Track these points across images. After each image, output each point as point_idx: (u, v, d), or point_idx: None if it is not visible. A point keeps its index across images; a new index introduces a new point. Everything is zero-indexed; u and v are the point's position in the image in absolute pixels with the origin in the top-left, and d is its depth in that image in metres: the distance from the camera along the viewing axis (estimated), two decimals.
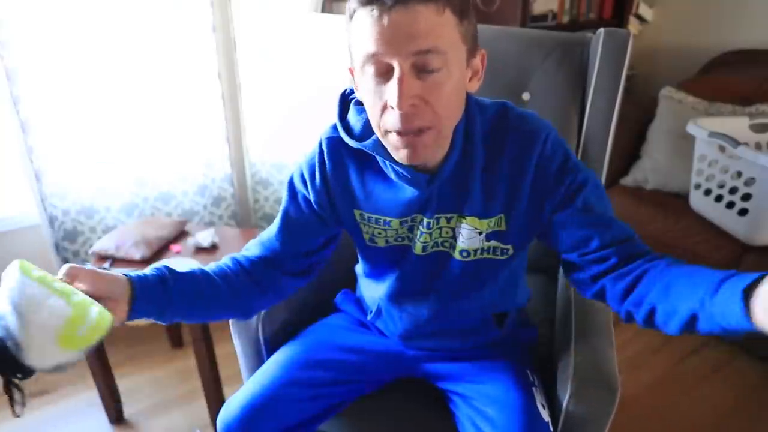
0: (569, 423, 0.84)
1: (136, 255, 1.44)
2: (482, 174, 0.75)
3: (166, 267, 0.75)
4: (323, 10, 1.65)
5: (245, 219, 2.14)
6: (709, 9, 2.38)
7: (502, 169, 0.74)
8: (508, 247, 0.80)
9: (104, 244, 1.48)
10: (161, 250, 1.51)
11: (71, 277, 0.62)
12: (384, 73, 0.62)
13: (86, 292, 0.61)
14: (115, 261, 1.45)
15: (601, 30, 1.17)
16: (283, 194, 0.86)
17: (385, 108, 0.64)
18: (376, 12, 0.59)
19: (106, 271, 0.67)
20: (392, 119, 0.63)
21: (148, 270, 0.74)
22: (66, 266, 0.63)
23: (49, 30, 1.53)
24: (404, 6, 0.58)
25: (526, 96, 1.24)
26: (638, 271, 0.68)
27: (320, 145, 0.80)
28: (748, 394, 1.60)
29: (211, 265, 0.81)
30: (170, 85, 1.76)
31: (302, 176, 0.82)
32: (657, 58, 2.62)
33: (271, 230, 0.86)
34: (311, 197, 0.82)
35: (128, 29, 1.63)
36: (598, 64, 1.17)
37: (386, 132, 0.66)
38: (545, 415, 0.80)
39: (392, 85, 0.61)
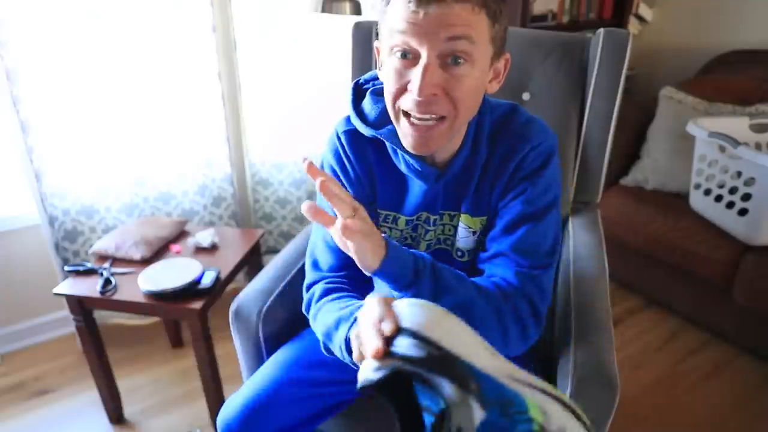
0: None
1: (136, 255, 1.44)
2: (480, 173, 0.76)
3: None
4: (323, 10, 1.65)
5: (245, 219, 2.14)
6: (709, 9, 2.38)
7: (492, 169, 0.76)
8: None
9: (104, 244, 1.48)
10: (161, 250, 1.51)
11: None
12: (410, 58, 0.63)
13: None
14: (115, 261, 1.45)
15: (601, 30, 1.17)
16: (317, 196, 0.84)
17: (403, 90, 0.64)
18: (412, 5, 0.60)
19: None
20: (409, 101, 0.64)
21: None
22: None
23: (49, 30, 1.53)
24: (443, 2, 0.59)
25: (525, 96, 1.24)
26: None
27: (339, 139, 0.80)
28: (748, 394, 1.60)
29: (327, 295, 0.77)
30: (170, 86, 1.76)
31: (334, 171, 0.81)
32: (657, 58, 2.62)
33: (322, 253, 0.81)
34: (348, 190, 0.81)
35: (128, 29, 1.63)
36: (597, 64, 1.17)
37: (400, 113, 0.66)
38: None
39: (416, 71, 0.62)
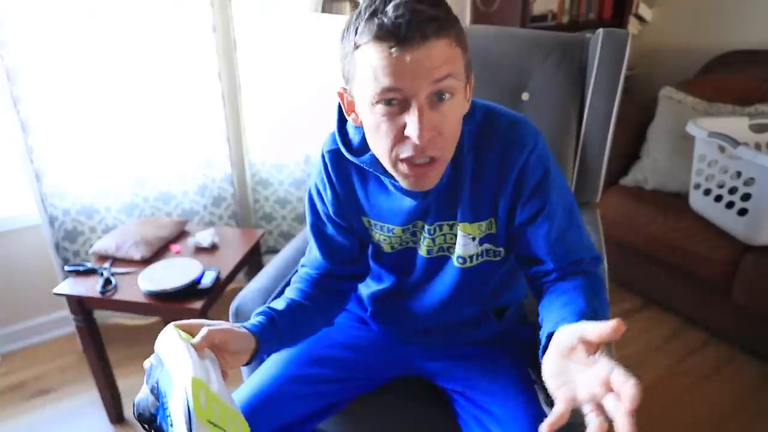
0: None
1: (136, 255, 1.44)
2: (471, 181, 0.76)
3: (271, 308, 0.80)
4: (323, 10, 1.65)
5: (245, 219, 2.14)
6: (709, 9, 2.38)
7: (489, 175, 0.75)
8: (500, 249, 0.81)
9: (104, 244, 1.48)
10: (161, 250, 1.51)
11: (209, 341, 0.64)
12: (398, 106, 0.62)
13: (220, 351, 0.66)
14: (115, 261, 1.45)
15: (600, 30, 1.17)
16: (306, 211, 0.89)
17: (400, 138, 0.64)
18: (396, 51, 0.58)
19: (237, 328, 0.70)
20: (409, 149, 0.64)
21: (258, 317, 0.77)
22: (204, 330, 0.64)
23: (49, 30, 1.53)
24: (424, 42, 0.58)
25: (525, 96, 1.24)
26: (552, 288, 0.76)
27: (323, 158, 0.82)
28: (747, 393, 1.60)
29: (292, 292, 0.87)
30: (170, 86, 1.76)
31: (318, 191, 0.85)
32: (657, 58, 2.62)
33: (312, 248, 0.90)
34: (330, 210, 0.84)
35: (128, 29, 1.63)
36: (597, 64, 1.17)
37: (398, 161, 0.66)
38: (549, 412, 0.80)
39: (411, 118, 0.61)
